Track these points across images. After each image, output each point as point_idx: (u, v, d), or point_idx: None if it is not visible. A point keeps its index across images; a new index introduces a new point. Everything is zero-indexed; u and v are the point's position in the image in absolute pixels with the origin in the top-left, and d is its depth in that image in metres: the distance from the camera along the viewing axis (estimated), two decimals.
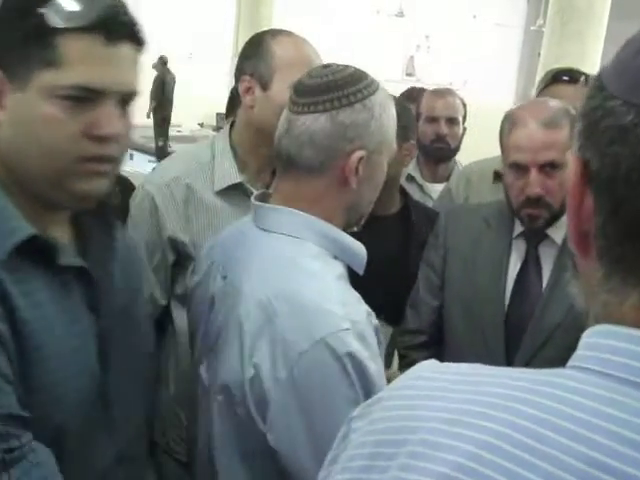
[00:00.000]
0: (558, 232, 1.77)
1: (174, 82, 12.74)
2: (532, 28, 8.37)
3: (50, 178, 1.04)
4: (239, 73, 1.77)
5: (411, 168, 2.93)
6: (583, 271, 0.57)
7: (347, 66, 1.26)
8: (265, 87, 1.71)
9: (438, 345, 1.96)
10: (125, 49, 1.04)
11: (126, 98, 1.07)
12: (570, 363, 0.55)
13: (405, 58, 12.03)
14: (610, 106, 0.52)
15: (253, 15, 8.94)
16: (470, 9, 11.26)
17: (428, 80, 11.48)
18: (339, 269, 1.22)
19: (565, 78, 2.43)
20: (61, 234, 1.13)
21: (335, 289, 1.16)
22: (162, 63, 12.53)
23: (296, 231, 1.22)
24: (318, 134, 1.19)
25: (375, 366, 1.12)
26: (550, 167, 1.67)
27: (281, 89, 1.63)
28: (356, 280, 1.87)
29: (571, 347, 1.84)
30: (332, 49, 12.01)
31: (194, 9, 12.65)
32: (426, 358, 1.92)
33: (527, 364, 1.74)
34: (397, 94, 3.45)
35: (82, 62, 1.00)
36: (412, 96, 3.32)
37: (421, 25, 11.57)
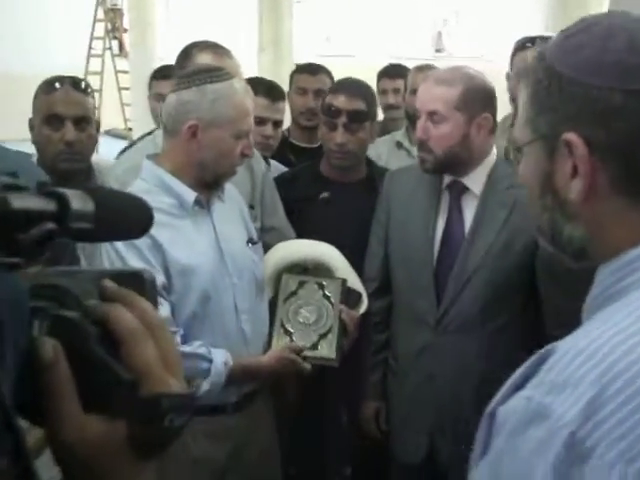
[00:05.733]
0: (476, 185, 2.01)
1: None
2: None
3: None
4: None
5: (400, 135, 3.20)
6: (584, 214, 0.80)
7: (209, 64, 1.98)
8: None
9: (389, 294, 2.20)
10: None
11: None
12: None
13: (434, 35, 12.06)
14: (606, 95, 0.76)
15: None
16: None
17: (459, 54, 11.56)
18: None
19: (528, 45, 2.68)
20: None
21: None
22: None
23: (143, 175, 1.88)
24: (167, 107, 1.83)
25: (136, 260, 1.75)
26: (435, 116, 1.94)
27: None
28: (329, 238, 2.22)
29: (489, 285, 2.18)
30: (357, 29, 12.12)
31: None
32: (380, 308, 2.19)
33: (453, 302, 1.99)
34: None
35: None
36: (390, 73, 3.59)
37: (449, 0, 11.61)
